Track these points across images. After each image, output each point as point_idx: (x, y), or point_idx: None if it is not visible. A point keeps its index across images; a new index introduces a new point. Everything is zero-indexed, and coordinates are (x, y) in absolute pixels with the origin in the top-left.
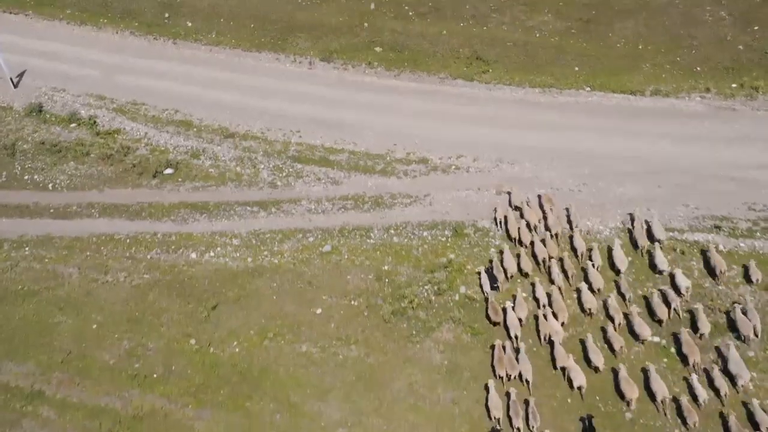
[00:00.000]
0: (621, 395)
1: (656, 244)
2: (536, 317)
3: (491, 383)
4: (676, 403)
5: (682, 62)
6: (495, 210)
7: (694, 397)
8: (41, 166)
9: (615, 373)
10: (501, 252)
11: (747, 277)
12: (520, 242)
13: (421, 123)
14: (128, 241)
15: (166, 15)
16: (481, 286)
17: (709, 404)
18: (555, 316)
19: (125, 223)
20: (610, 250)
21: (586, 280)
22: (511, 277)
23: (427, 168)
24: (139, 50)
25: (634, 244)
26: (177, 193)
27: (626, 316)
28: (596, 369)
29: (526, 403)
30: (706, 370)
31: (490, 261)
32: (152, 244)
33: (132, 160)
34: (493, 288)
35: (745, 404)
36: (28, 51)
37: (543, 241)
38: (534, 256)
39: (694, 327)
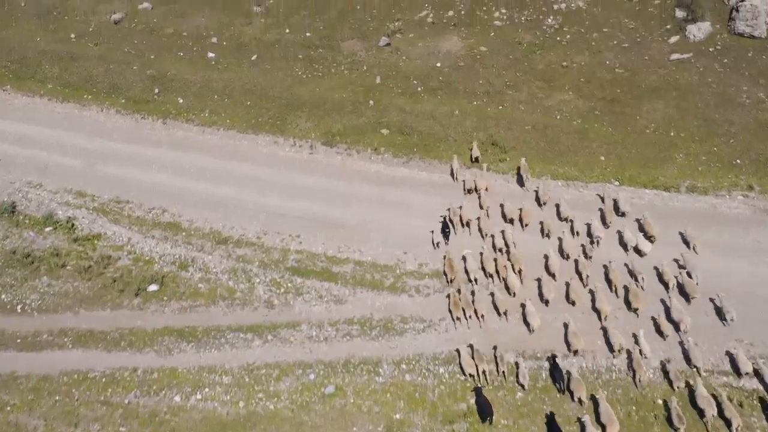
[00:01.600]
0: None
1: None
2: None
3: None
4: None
5: (720, 153)
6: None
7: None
8: (10, 282)
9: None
10: None
11: None
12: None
13: (433, 224)
14: (104, 380)
15: (156, 90)
16: None
17: None
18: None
19: (102, 356)
20: None
21: None
22: None
23: (441, 283)
24: (126, 132)
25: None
26: (161, 316)
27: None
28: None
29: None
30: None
31: None
32: (131, 384)
33: (113, 274)
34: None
35: None
36: (4, 135)
37: None
38: None
39: None
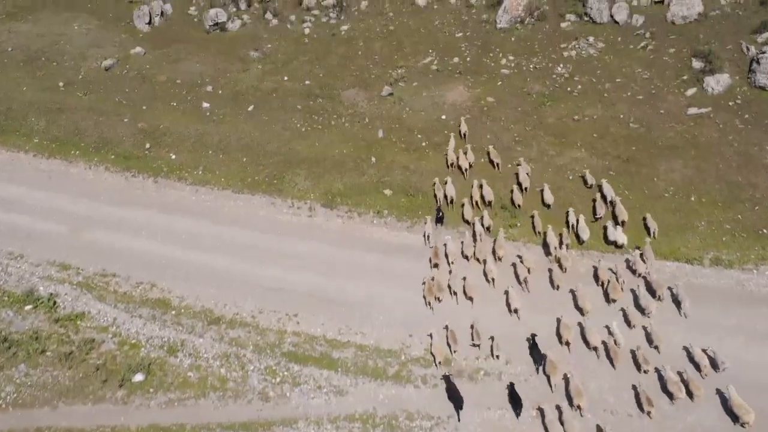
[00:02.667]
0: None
1: None
2: None
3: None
4: None
5: (744, 221)
6: None
7: None
8: None
9: None
10: None
11: None
12: None
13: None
14: None
15: (147, 145)
16: None
17: None
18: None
19: None
20: None
21: None
22: None
23: (449, 372)
24: (115, 193)
25: None
26: (146, 411)
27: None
28: None
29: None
30: None
31: None
32: None
33: (96, 360)
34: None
35: None
36: None
37: None
38: None
39: None
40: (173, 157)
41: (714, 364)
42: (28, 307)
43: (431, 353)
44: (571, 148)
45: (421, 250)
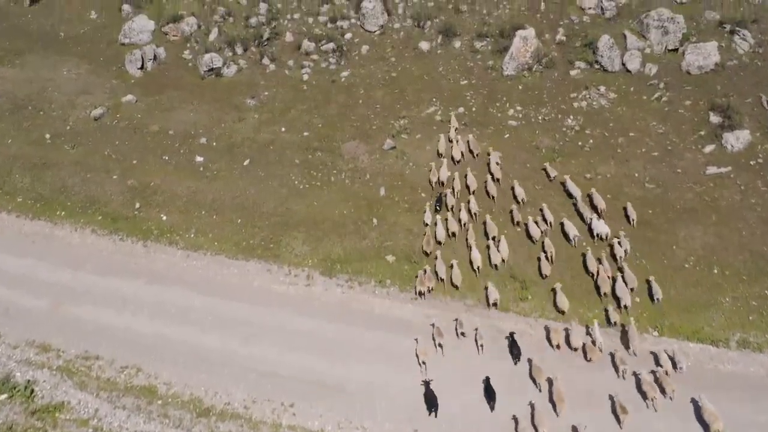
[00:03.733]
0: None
1: None
2: None
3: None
4: None
5: None
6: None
7: None
8: None
9: None
10: None
11: None
12: None
13: (447, 388)
14: None
15: (137, 205)
16: None
17: None
18: None
19: None
20: None
21: None
22: None
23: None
24: (101, 260)
25: None
26: None
27: None
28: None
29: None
30: None
31: None
32: None
33: None
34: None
35: None
36: None
37: None
38: None
39: None
40: (164, 217)
41: (674, 365)
42: (2, 397)
43: (416, 355)
44: (583, 211)
45: (423, 326)
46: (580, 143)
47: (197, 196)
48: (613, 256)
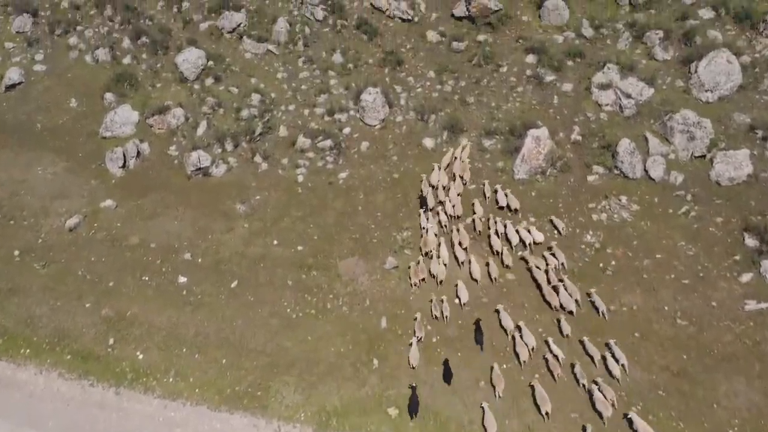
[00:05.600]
0: None
1: None
2: None
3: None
4: None
5: None
6: None
7: None
8: None
9: None
10: None
11: None
12: None
13: None
14: None
15: (111, 341)
16: None
17: None
18: None
19: None
20: None
21: None
22: None
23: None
24: (67, 416)
25: None
26: None
27: None
28: None
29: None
30: None
31: None
32: None
33: None
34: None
35: None
36: None
37: None
38: None
39: None
40: (140, 356)
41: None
42: None
43: (408, 358)
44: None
45: None
46: (600, 264)
47: (178, 329)
48: None
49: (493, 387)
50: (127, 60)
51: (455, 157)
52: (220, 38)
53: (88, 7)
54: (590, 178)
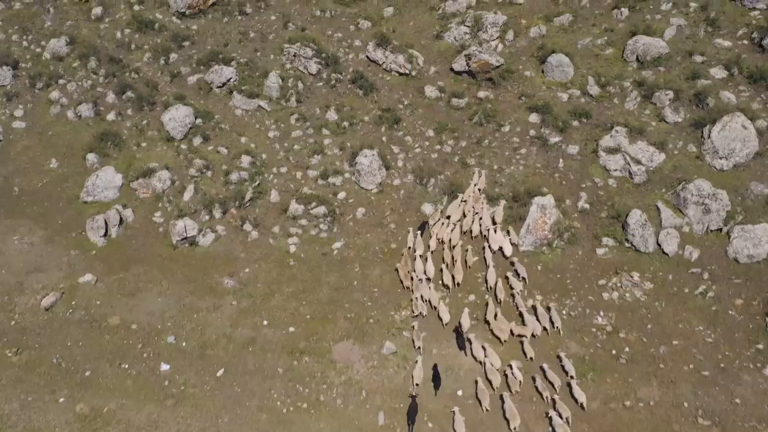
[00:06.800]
0: None
1: None
2: None
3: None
4: None
5: None
6: None
7: None
8: None
9: None
10: None
11: None
12: None
13: None
14: None
15: None
16: None
17: None
18: None
19: None
20: None
21: None
22: None
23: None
24: None
25: None
26: None
27: None
28: None
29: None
30: None
31: None
32: None
33: None
34: None
35: None
36: None
37: None
38: None
39: None
40: None
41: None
42: None
43: (411, 376)
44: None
45: None
46: (613, 351)
47: (158, 429)
48: None
49: None
50: (111, 116)
51: (474, 184)
52: (209, 93)
53: (71, 58)
54: (599, 251)
